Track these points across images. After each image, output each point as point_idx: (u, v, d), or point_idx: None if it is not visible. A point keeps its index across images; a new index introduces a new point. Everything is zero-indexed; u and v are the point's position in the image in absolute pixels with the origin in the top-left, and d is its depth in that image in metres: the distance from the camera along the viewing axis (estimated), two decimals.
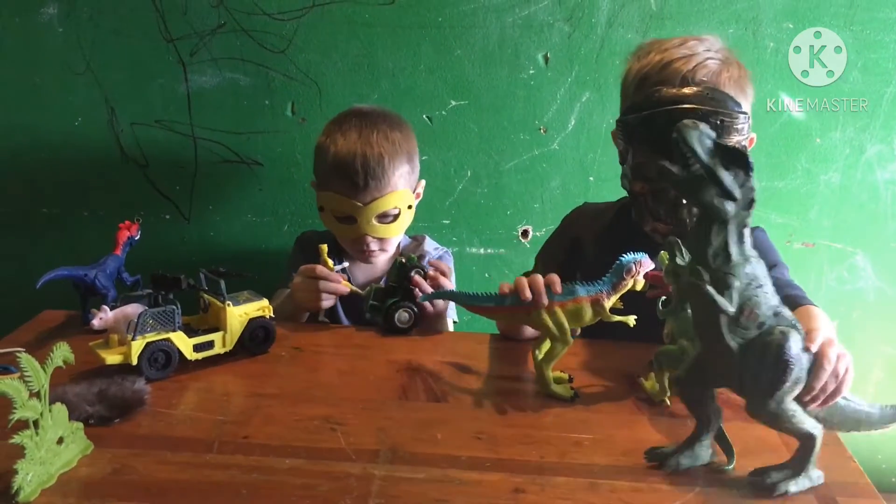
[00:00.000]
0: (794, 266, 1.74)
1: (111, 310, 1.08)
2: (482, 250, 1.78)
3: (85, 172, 1.76)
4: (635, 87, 1.21)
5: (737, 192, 0.79)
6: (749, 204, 0.80)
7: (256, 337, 1.16)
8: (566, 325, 1.03)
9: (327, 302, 1.32)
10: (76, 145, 1.75)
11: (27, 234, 1.81)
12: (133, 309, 1.08)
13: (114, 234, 1.34)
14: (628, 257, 1.03)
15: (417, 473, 0.85)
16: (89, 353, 1.05)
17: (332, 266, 1.33)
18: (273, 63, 1.68)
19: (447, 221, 1.76)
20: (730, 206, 0.79)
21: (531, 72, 1.66)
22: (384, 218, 1.40)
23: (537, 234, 1.76)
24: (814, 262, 1.74)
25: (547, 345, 1.04)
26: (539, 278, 1.06)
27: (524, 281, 1.06)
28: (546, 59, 1.65)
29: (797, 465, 0.84)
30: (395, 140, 1.41)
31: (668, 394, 1.02)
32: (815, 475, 0.85)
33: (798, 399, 0.83)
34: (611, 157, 1.68)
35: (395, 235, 1.46)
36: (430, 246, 1.57)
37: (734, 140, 1.12)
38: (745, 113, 1.14)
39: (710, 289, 0.80)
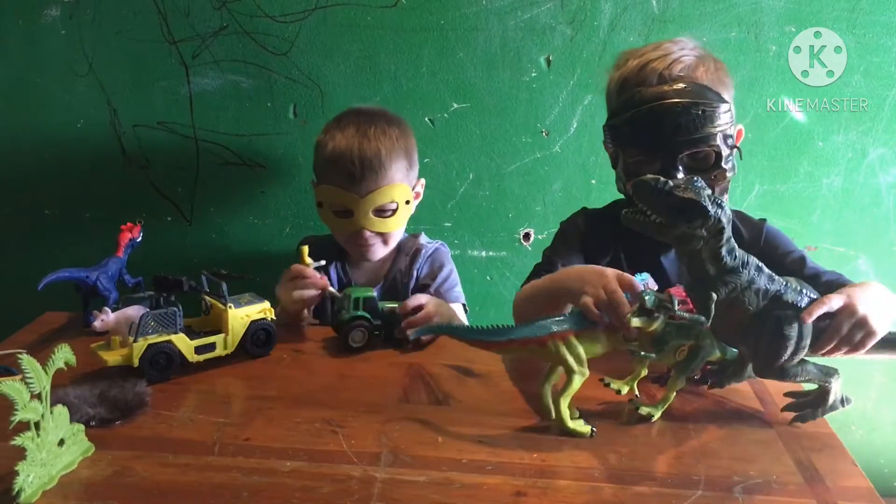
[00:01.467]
0: None
1: (113, 311, 1.08)
2: (483, 253, 1.78)
3: (87, 174, 1.76)
4: (617, 92, 1.25)
5: (701, 233, 0.87)
6: (718, 233, 0.88)
7: (258, 339, 1.17)
8: (584, 355, 0.94)
9: (300, 304, 1.29)
10: (78, 147, 1.75)
11: (29, 236, 1.81)
12: (134, 311, 1.08)
13: (115, 235, 1.34)
14: (637, 278, 1.00)
15: (419, 476, 0.85)
16: (91, 354, 1.05)
17: (308, 263, 1.29)
18: (275, 65, 1.68)
19: (449, 224, 1.76)
20: (696, 244, 0.88)
21: (533, 74, 1.66)
22: (382, 213, 1.41)
23: (539, 237, 1.75)
24: None
25: (556, 377, 0.98)
26: (619, 294, 0.96)
27: (613, 293, 0.97)
28: (548, 61, 1.65)
29: (815, 404, 1.00)
30: (393, 135, 1.43)
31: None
32: (839, 403, 0.99)
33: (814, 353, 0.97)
34: None
35: (393, 230, 1.46)
36: (424, 240, 1.58)
37: (717, 129, 1.15)
38: (725, 102, 1.18)
39: (683, 313, 0.91)
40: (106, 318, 1.07)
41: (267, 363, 1.16)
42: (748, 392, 1.09)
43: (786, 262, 1.25)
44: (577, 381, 0.94)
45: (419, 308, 1.24)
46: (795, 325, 0.92)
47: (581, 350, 0.94)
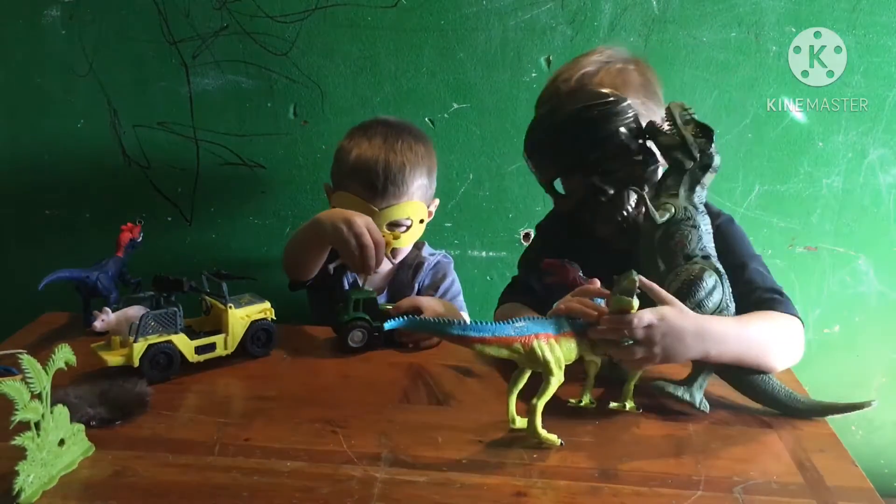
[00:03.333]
0: (797, 270, 1.74)
1: (113, 312, 1.08)
2: (484, 253, 1.78)
3: (87, 174, 1.76)
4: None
5: (695, 154, 1.05)
6: (705, 167, 1.05)
7: (258, 339, 1.17)
8: (563, 359, 0.93)
9: (344, 251, 1.25)
10: (78, 147, 1.75)
11: (29, 236, 1.81)
12: (135, 311, 1.08)
13: (116, 236, 1.34)
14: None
15: (419, 477, 0.85)
16: (91, 354, 1.05)
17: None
18: (275, 65, 1.68)
19: (449, 224, 1.76)
20: (688, 163, 1.05)
21: (533, 75, 1.66)
22: (395, 227, 1.39)
23: None
24: (816, 266, 1.74)
25: (523, 383, 0.95)
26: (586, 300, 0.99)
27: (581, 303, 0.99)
28: (548, 62, 1.65)
29: (689, 381, 1.02)
30: (419, 152, 1.41)
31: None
32: (698, 398, 1.01)
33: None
34: None
35: (402, 247, 1.44)
36: (427, 251, 1.57)
37: (621, 126, 1.11)
38: (622, 98, 1.12)
39: (648, 200, 1.05)
40: (106, 318, 1.07)
41: (267, 363, 1.16)
42: None
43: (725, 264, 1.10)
44: (555, 385, 0.91)
45: (416, 309, 1.24)
46: (710, 285, 1.01)
47: (561, 354, 0.93)
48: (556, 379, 0.91)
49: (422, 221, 1.42)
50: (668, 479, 0.86)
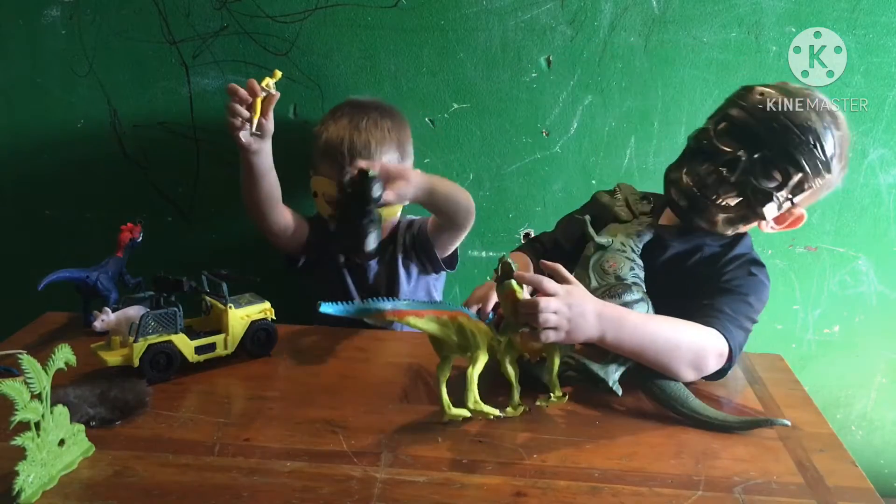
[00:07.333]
0: (797, 270, 1.74)
1: (113, 311, 1.08)
2: (484, 253, 1.78)
3: (87, 174, 1.76)
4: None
5: (645, 232, 1.18)
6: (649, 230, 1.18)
7: (258, 339, 1.17)
8: (480, 338, 0.98)
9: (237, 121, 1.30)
10: (78, 147, 1.75)
11: (29, 236, 1.81)
12: (135, 311, 1.08)
13: (116, 235, 1.34)
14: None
15: (419, 476, 0.85)
16: (91, 354, 1.06)
17: (267, 84, 1.31)
18: (275, 65, 1.67)
19: None
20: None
21: (533, 75, 1.66)
22: None
23: None
24: (816, 266, 1.74)
25: (448, 370, 0.98)
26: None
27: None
28: (548, 62, 1.65)
29: (606, 362, 1.04)
30: (385, 127, 1.45)
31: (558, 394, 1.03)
32: (612, 378, 1.03)
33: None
34: (612, 160, 1.68)
35: (389, 219, 1.47)
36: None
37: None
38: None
39: (589, 225, 1.16)
40: (106, 318, 1.07)
41: (267, 363, 1.16)
42: (748, 393, 1.09)
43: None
44: (482, 359, 0.97)
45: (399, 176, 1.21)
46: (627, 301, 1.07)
47: (483, 333, 0.98)
48: (482, 353, 0.97)
49: None
50: (668, 479, 0.86)
